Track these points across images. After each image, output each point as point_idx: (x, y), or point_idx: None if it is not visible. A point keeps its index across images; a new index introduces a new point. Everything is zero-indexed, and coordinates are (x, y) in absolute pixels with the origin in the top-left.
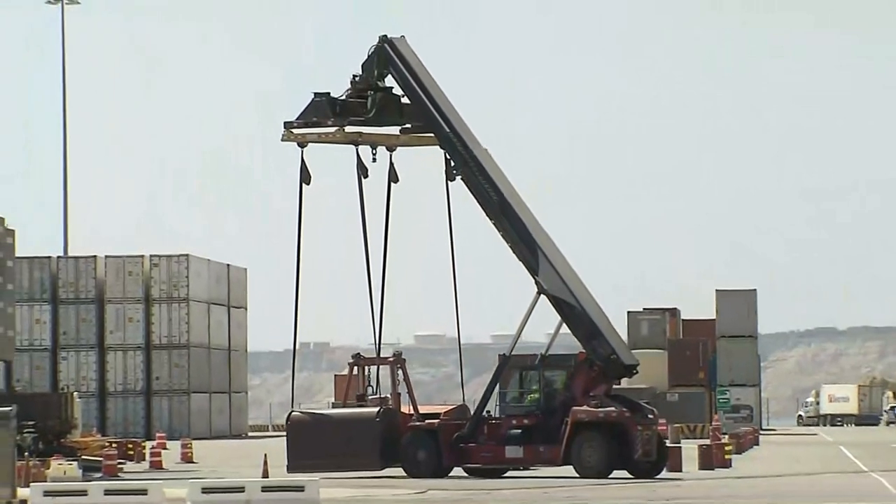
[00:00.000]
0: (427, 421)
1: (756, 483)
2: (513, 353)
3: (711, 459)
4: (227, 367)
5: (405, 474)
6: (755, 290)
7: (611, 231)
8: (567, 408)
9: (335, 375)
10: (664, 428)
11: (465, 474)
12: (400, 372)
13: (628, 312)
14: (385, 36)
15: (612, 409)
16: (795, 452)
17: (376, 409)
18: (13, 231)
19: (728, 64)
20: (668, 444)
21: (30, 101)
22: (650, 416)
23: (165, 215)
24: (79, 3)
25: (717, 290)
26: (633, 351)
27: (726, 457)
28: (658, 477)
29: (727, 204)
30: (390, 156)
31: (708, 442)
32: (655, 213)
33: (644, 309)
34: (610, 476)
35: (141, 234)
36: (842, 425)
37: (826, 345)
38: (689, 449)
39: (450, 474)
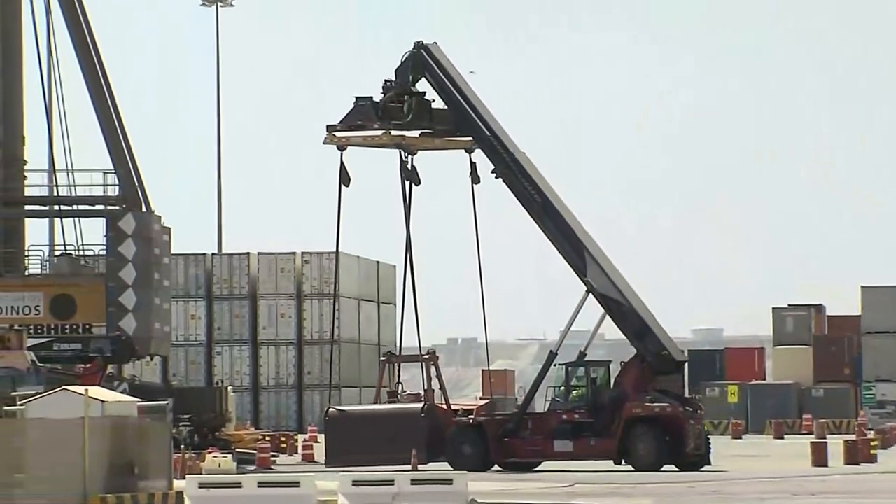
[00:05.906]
0: (470, 416)
1: None
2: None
3: (857, 455)
4: (377, 362)
5: (450, 467)
6: None
7: (756, 228)
8: (617, 403)
9: (482, 371)
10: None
11: (500, 468)
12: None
13: (773, 308)
14: (420, 42)
15: (667, 404)
16: None
17: (421, 405)
18: (170, 229)
19: (872, 53)
20: (708, 438)
21: (185, 100)
22: (698, 410)
23: (316, 213)
24: (233, 5)
25: (862, 286)
26: (778, 347)
27: (871, 452)
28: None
29: (873, 198)
30: (411, 159)
31: (853, 437)
32: (800, 210)
33: (789, 305)
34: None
35: (294, 231)
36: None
37: None
38: (835, 444)
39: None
